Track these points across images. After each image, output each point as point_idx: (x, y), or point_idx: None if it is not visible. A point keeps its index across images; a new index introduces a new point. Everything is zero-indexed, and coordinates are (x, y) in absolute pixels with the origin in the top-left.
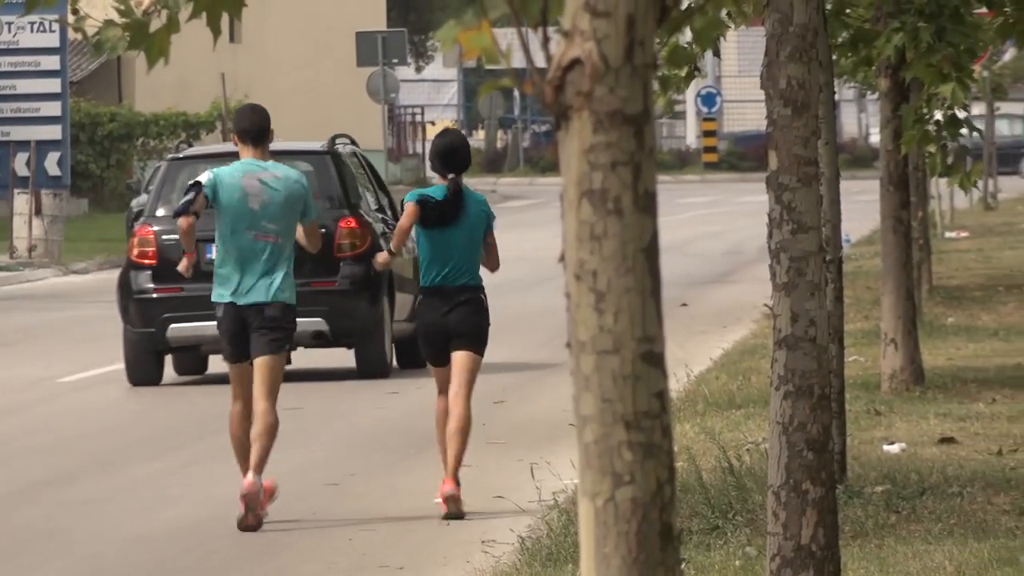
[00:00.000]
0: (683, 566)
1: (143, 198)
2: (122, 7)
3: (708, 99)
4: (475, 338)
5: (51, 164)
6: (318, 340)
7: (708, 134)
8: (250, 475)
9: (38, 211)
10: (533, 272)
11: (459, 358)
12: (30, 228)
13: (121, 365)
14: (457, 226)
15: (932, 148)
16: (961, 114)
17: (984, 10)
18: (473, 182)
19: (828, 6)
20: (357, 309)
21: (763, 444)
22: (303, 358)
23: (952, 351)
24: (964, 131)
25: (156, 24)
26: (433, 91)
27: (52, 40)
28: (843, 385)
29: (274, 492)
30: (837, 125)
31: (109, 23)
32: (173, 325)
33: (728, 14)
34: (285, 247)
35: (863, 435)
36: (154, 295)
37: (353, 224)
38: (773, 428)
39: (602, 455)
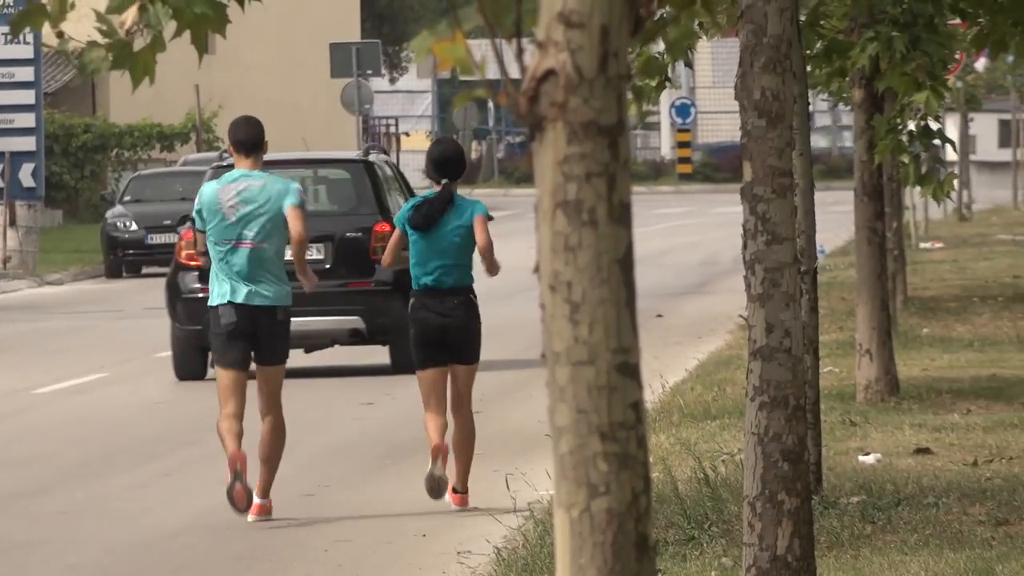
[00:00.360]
0: None
1: (118, 209)
2: (104, 27)
3: (682, 110)
4: (469, 350)
5: (25, 175)
6: (355, 338)
7: (682, 145)
8: (234, 446)
9: (12, 222)
10: (507, 283)
11: (460, 372)
12: (4, 239)
13: (97, 376)
14: (442, 229)
15: (906, 158)
16: (934, 124)
17: (958, 20)
18: None
19: (802, 17)
20: (391, 308)
21: (738, 455)
22: (332, 356)
23: (927, 362)
24: (937, 141)
25: (140, 43)
26: (407, 102)
27: (26, 52)
28: (818, 396)
29: (269, 511)
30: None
31: (92, 44)
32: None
33: (701, 25)
34: (265, 253)
35: (838, 446)
36: (200, 295)
37: (387, 228)
38: (748, 439)
39: (577, 466)
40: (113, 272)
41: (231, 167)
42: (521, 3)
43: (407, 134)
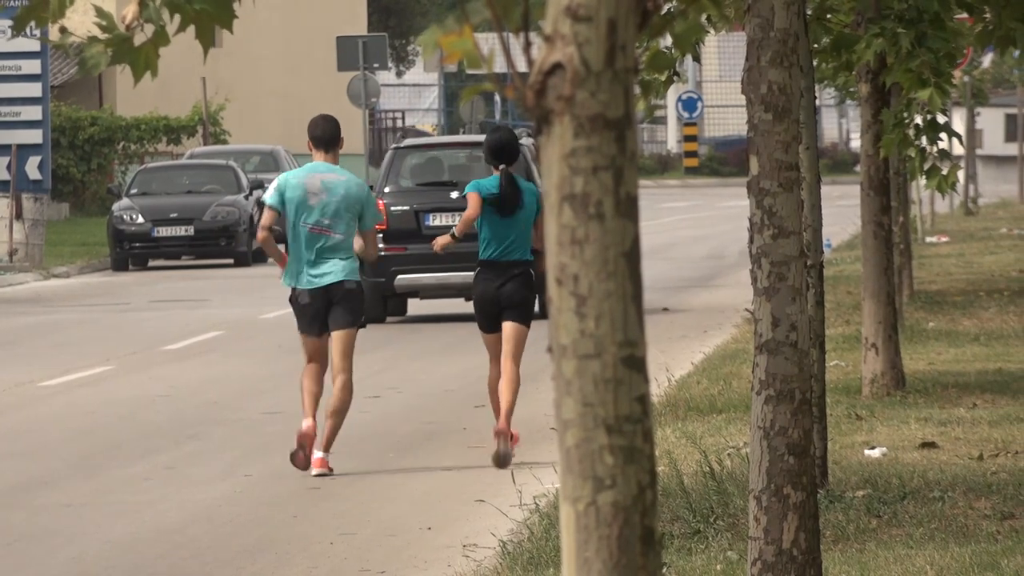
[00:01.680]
0: (664, 570)
1: (125, 202)
2: (104, 23)
3: (689, 104)
4: (523, 311)
5: (32, 168)
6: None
7: (689, 139)
8: (310, 423)
9: (19, 215)
10: None
11: (509, 328)
12: (11, 232)
13: (103, 368)
14: (515, 213)
15: (912, 152)
16: (941, 119)
17: (964, 16)
18: None
19: (809, 11)
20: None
21: (744, 448)
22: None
23: (933, 356)
24: (943, 135)
25: (141, 38)
26: (414, 95)
27: (33, 44)
28: (824, 389)
29: (328, 466)
30: (818, 130)
31: (93, 40)
32: (399, 276)
33: (708, 18)
34: (343, 239)
35: (844, 440)
36: (384, 253)
37: None
38: (754, 432)
39: (583, 459)
40: (119, 265)
41: (410, 148)
42: None
43: (414, 127)
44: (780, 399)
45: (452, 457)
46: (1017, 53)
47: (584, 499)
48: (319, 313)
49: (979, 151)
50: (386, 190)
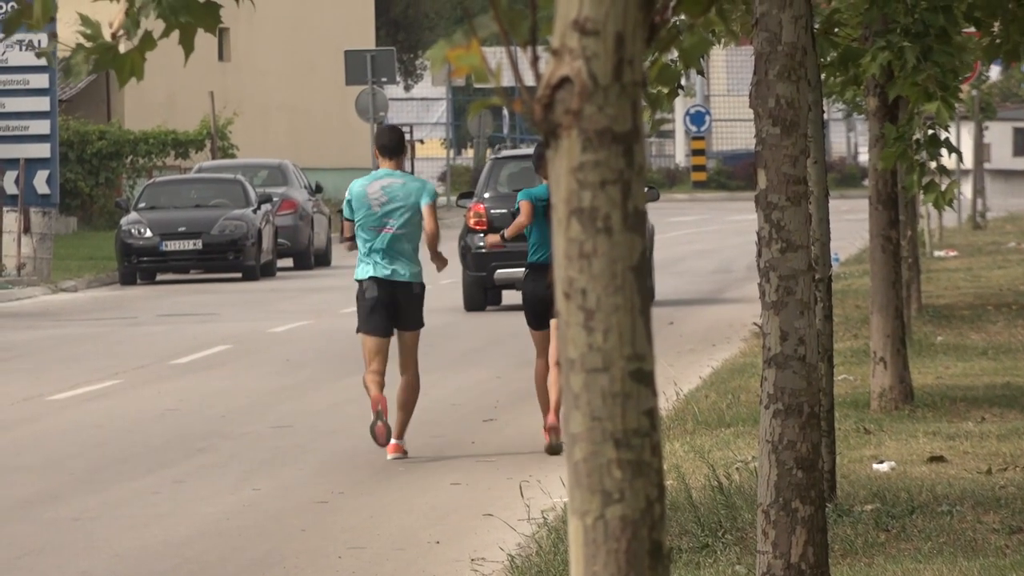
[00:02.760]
0: None
1: (133, 216)
2: (89, 31)
3: (697, 118)
4: None
5: (40, 182)
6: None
7: (697, 153)
8: (394, 442)
9: (27, 229)
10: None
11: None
12: (19, 246)
13: (111, 382)
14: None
15: (911, 166)
16: (942, 134)
17: (972, 30)
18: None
19: (816, 25)
20: None
21: (752, 462)
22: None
23: (941, 370)
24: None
25: (128, 45)
26: (422, 109)
27: (41, 59)
28: (832, 403)
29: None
30: (826, 144)
31: (79, 47)
32: (498, 271)
33: (713, 32)
34: (406, 234)
35: (852, 454)
36: (484, 251)
37: None
38: (762, 446)
39: (592, 473)
40: (127, 279)
41: (507, 159)
42: (536, 11)
43: (421, 141)
44: (788, 413)
45: (460, 471)
46: None
47: (592, 513)
48: (383, 306)
49: (987, 165)
50: (486, 195)
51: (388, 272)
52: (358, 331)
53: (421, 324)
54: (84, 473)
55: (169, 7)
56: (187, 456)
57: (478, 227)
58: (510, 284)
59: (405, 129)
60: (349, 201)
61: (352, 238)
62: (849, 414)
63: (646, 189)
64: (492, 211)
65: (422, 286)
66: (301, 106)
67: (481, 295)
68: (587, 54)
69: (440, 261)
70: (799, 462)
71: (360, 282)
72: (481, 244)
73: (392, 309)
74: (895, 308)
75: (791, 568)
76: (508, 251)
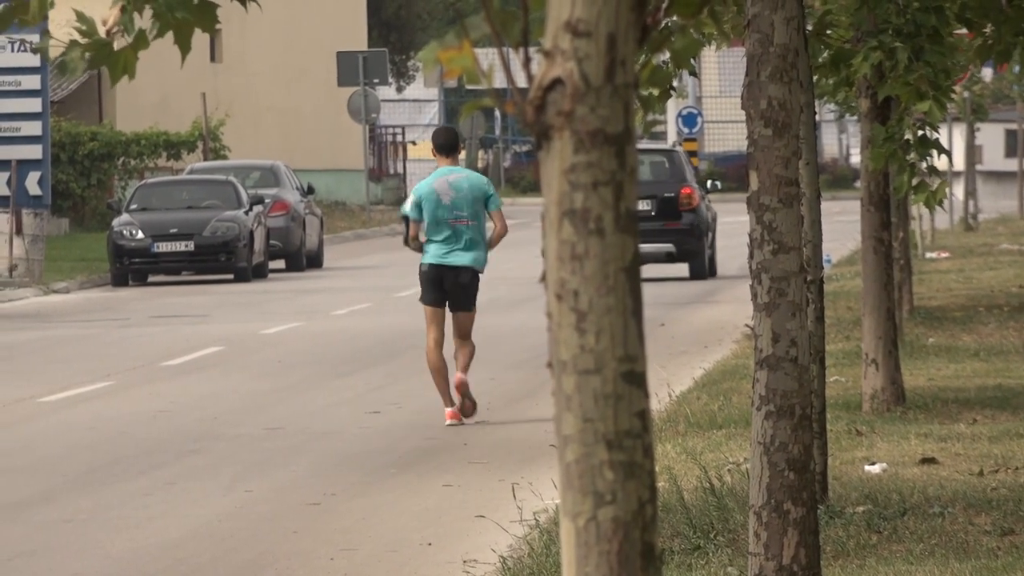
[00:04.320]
0: None
1: (125, 217)
2: (84, 27)
3: (689, 119)
4: None
5: (32, 183)
6: (669, 257)
7: (689, 154)
8: (459, 374)
9: (19, 230)
10: (514, 292)
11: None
12: (11, 247)
13: (103, 384)
14: None
15: (901, 167)
16: (932, 135)
17: (963, 31)
18: None
19: (808, 26)
20: (691, 239)
21: (744, 464)
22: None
23: (933, 371)
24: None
25: (122, 43)
26: (414, 111)
27: (33, 60)
28: (824, 405)
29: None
30: (818, 146)
31: (73, 43)
32: None
33: (703, 34)
34: (474, 227)
35: (844, 455)
36: None
37: (689, 191)
38: (754, 448)
39: (583, 475)
40: (119, 280)
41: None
42: (528, 12)
43: (414, 143)
44: (780, 415)
45: (453, 473)
46: (1018, 68)
47: (584, 515)
48: (440, 284)
49: (979, 167)
50: None
51: (450, 257)
52: (420, 299)
53: (473, 305)
54: (76, 475)
55: (165, 4)
56: (179, 458)
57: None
58: None
59: (397, 130)
60: (417, 203)
61: (417, 237)
62: (841, 416)
63: (709, 184)
64: None
65: (479, 272)
66: (293, 107)
67: None
68: (579, 55)
69: (492, 246)
70: (791, 464)
71: (424, 264)
72: None
73: (446, 288)
74: (887, 310)
75: (783, 570)
76: None
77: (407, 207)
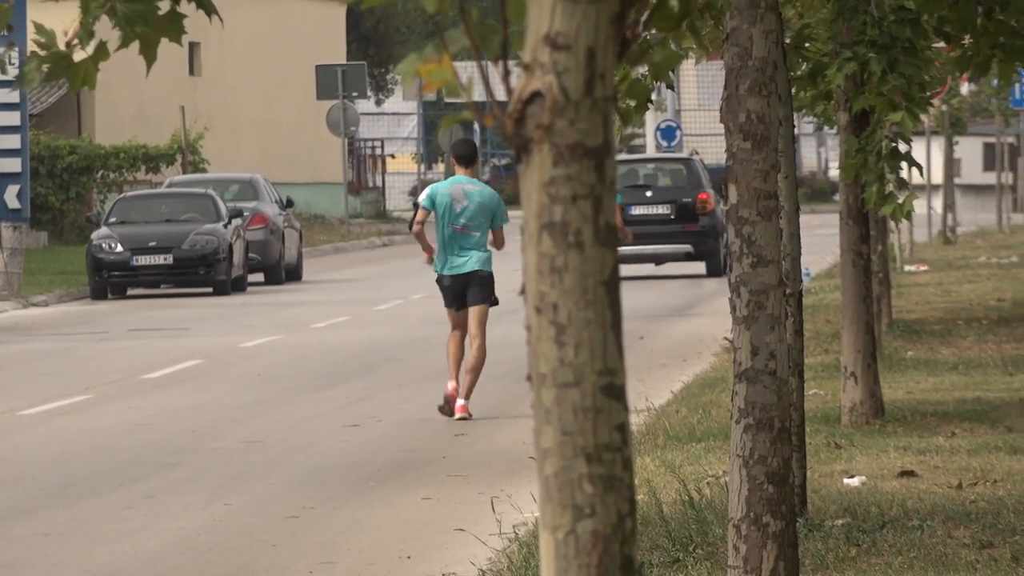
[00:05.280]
0: None
1: (104, 230)
2: (43, 40)
3: (668, 133)
4: None
5: (11, 197)
6: (688, 257)
7: None
8: (454, 384)
9: None
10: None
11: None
12: None
13: (82, 397)
14: None
15: (871, 178)
16: (903, 147)
17: (942, 43)
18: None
19: (787, 40)
20: (708, 240)
21: (724, 477)
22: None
23: (912, 385)
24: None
25: (83, 55)
26: (393, 124)
27: (11, 73)
28: (803, 418)
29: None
30: (796, 159)
31: (33, 55)
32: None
33: (683, 47)
34: (476, 237)
35: (823, 468)
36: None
37: (705, 196)
38: (733, 461)
39: (563, 488)
40: (98, 294)
41: (617, 162)
42: (507, 25)
43: (392, 156)
44: (759, 428)
45: (431, 486)
46: (995, 82)
47: (563, 528)
48: (458, 293)
49: (957, 180)
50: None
51: (459, 267)
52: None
53: (488, 300)
54: (55, 488)
55: (126, 17)
56: (158, 471)
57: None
58: (623, 260)
59: (376, 143)
60: (431, 196)
61: (422, 224)
62: (820, 429)
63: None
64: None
65: (489, 272)
66: (272, 120)
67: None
68: (558, 69)
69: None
70: (770, 477)
71: (440, 274)
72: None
73: (464, 291)
74: (866, 323)
75: None
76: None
77: (422, 197)
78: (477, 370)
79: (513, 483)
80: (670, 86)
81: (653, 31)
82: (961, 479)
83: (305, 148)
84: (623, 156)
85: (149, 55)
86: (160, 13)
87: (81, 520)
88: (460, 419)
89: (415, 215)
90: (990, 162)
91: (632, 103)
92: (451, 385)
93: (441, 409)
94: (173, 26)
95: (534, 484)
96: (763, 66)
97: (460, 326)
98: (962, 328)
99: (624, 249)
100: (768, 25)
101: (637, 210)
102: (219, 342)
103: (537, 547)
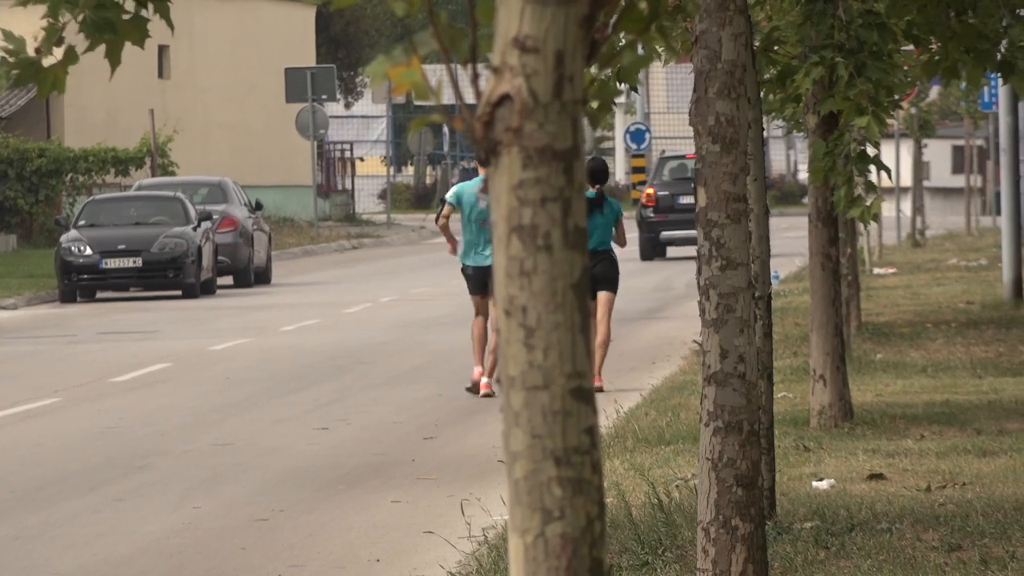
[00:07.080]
0: None
1: (73, 233)
2: (12, 46)
3: (637, 135)
4: (612, 282)
5: None
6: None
7: (637, 170)
8: (479, 370)
9: None
10: (462, 308)
11: (602, 296)
12: None
13: (51, 400)
14: (598, 214)
15: (840, 181)
16: (871, 151)
17: (911, 47)
18: (402, 218)
19: (756, 43)
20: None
21: (693, 480)
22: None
23: (880, 387)
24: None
25: (52, 60)
26: (362, 127)
27: None
28: (772, 421)
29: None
30: (766, 162)
31: (3, 62)
32: (663, 232)
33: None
34: None
35: (792, 471)
36: (654, 219)
37: None
38: (702, 464)
39: (532, 491)
40: (67, 297)
41: (670, 158)
42: (477, 28)
43: (361, 159)
44: (728, 430)
45: (401, 489)
46: (964, 85)
47: (532, 531)
48: (481, 281)
49: (926, 183)
50: (655, 182)
51: (484, 259)
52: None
53: None
54: (24, 491)
55: (92, 25)
56: (127, 474)
57: (649, 203)
58: (671, 242)
59: (345, 146)
60: (458, 194)
61: (447, 218)
62: (789, 432)
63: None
64: (660, 193)
65: None
66: (241, 123)
67: (652, 249)
68: (527, 71)
69: None
70: (739, 480)
71: (465, 265)
72: (651, 215)
73: (486, 280)
74: (835, 326)
75: None
76: (672, 220)
77: (449, 194)
78: (495, 351)
79: (482, 486)
80: (635, 88)
81: (622, 34)
82: (930, 482)
83: (274, 151)
84: (674, 153)
85: (114, 59)
86: (125, 18)
87: (50, 524)
88: (485, 396)
89: (441, 209)
90: (959, 165)
91: (594, 104)
92: (477, 371)
93: (470, 391)
94: (137, 31)
95: (503, 487)
96: (732, 69)
97: (483, 310)
98: (931, 331)
99: (673, 233)
100: (737, 28)
101: (684, 199)
102: (188, 345)
103: (506, 550)
